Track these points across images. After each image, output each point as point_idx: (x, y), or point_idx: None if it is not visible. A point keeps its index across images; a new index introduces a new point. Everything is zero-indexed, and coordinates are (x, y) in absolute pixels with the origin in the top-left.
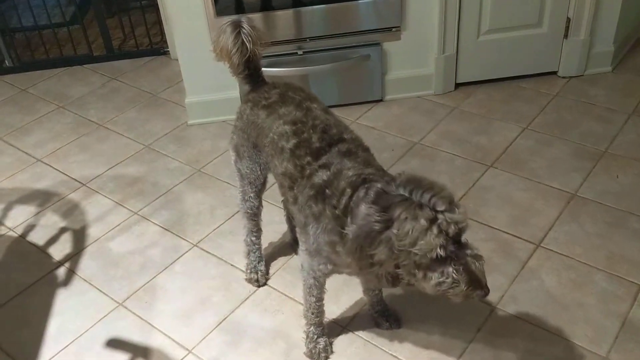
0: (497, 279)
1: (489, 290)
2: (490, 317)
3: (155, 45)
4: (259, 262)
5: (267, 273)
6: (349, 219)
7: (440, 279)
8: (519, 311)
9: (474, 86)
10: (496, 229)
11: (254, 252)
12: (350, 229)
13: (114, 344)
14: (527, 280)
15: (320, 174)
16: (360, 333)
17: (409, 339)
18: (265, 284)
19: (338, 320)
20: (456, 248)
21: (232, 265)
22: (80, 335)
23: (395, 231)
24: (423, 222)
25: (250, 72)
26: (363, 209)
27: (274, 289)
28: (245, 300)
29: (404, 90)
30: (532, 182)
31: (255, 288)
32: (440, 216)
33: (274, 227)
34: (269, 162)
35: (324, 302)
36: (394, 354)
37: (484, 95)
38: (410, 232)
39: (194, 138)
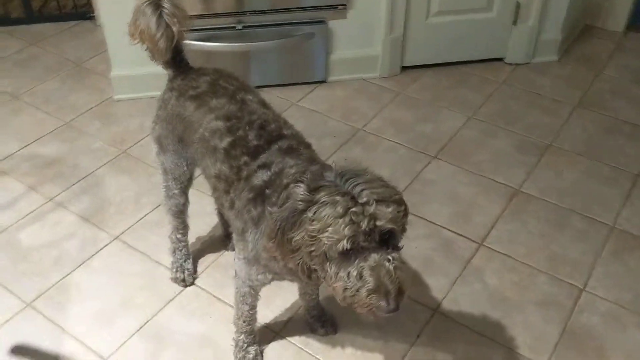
0: (439, 280)
1: (395, 306)
2: (431, 321)
3: (80, 9)
4: (185, 260)
5: (195, 272)
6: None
7: (346, 281)
8: (460, 314)
9: (420, 70)
10: (438, 225)
11: (180, 250)
12: (274, 209)
13: (20, 350)
14: (469, 282)
15: (260, 175)
16: (294, 339)
17: (346, 346)
18: (192, 283)
19: (270, 325)
20: (370, 248)
21: (157, 262)
22: None
23: (310, 214)
24: (339, 209)
25: (173, 55)
26: (291, 188)
27: (203, 289)
28: (171, 301)
29: (349, 71)
30: (476, 175)
31: (182, 288)
32: (358, 208)
33: (203, 219)
34: (199, 162)
35: (256, 309)
36: None
37: (430, 80)
38: (324, 218)
39: (120, 115)
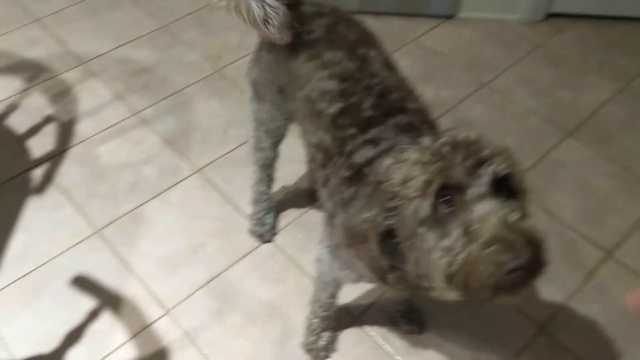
0: (553, 292)
1: (529, 256)
2: (535, 341)
3: None
4: (266, 214)
5: (275, 227)
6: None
7: (447, 248)
8: (571, 337)
9: (568, 20)
10: (563, 222)
11: (262, 202)
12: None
13: (81, 282)
14: (588, 299)
15: (364, 152)
16: (373, 331)
17: (430, 350)
18: (270, 240)
19: (349, 308)
20: (478, 195)
21: (236, 207)
22: (45, 263)
23: (389, 173)
24: (426, 154)
25: None
26: (377, 163)
27: (281, 249)
28: (244, 257)
29: (483, 9)
30: (616, 166)
31: (259, 244)
32: (450, 141)
33: (292, 166)
34: (299, 122)
35: (338, 297)
36: None
37: (578, 34)
38: (406, 168)
39: (220, 26)
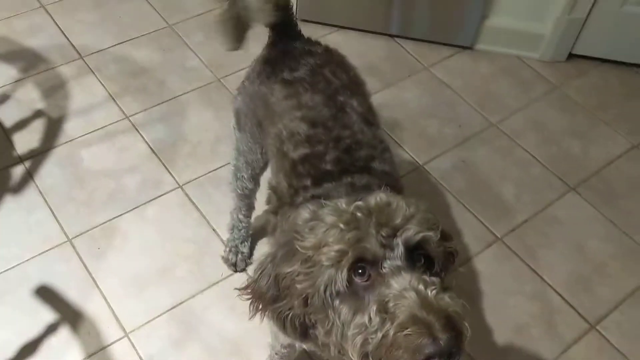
0: None
1: (447, 342)
2: None
3: None
4: (242, 242)
5: (250, 257)
6: None
7: (363, 325)
8: None
9: (591, 63)
10: (549, 285)
11: (239, 230)
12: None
13: (45, 293)
14: None
15: (297, 211)
16: None
17: None
18: (244, 269)
19: (313, 352)
20: (394, 269)
21: (213, 230)
22: (11, 268)
23: (305, 231)
24: (343, 216)
25: (279, 13)
26: (294, 214)
27: None
28: (213, 285)
29: (503, 43)
30: (617, 230)
31: (231, 272)
32: (364, 205)
33: None
34: (270, 160)
35: (295, 347)
36: None
37: (599, 79)
38: (321, 230)
39: None
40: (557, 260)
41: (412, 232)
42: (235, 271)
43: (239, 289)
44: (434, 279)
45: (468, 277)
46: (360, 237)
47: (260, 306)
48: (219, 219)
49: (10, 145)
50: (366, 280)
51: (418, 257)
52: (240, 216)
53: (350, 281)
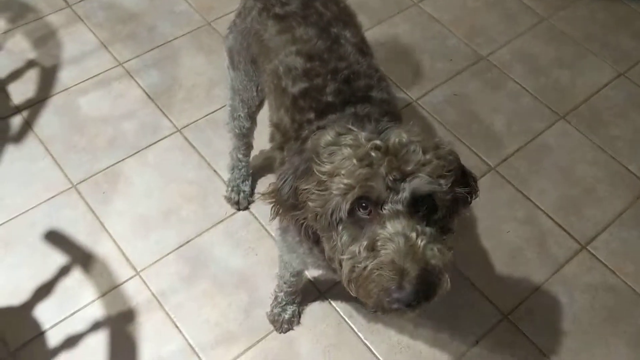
0: (521, 281)
1: (410, 293)
2: (497, 328)
3: None
4: (243, 181)
5: (252, 194)
6: None
7: (354, 254)
8: (533, 328)
9: None
10: (541, 210)
11: (240, 169)
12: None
13: (54, 237)
14: (555, 292)
15: (321, 132)
16: (338, 306)
17: (392, 330)
18: (247, 207)
19: (317, 283)
20: (394, 212)
21: (214, 171)
22: (19, 215)
23: (324, 156)
24: (359, 150)
25: None
26: (316, 134)
27: (255, 217)
28: (218, 224)
29: None
30: (604, 154)
31: (234, 211)
32: (381, 143)
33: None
34: (267, 98)
35: (302, 276)
36: (369, 345)
37: (586, 10)
38: (337, 159)
39: None
40: (548, 186)
41: (420, 181)
42: (239, 209)
43: (262, 194)
44: (427, 229)
45: None
46: (369, 176)
47: (281, 211)
48: (219, 160)
49: (7, 96)
50: (367, 215)
51: (422, 203)
52: (240, 155)
53: (352, 212)
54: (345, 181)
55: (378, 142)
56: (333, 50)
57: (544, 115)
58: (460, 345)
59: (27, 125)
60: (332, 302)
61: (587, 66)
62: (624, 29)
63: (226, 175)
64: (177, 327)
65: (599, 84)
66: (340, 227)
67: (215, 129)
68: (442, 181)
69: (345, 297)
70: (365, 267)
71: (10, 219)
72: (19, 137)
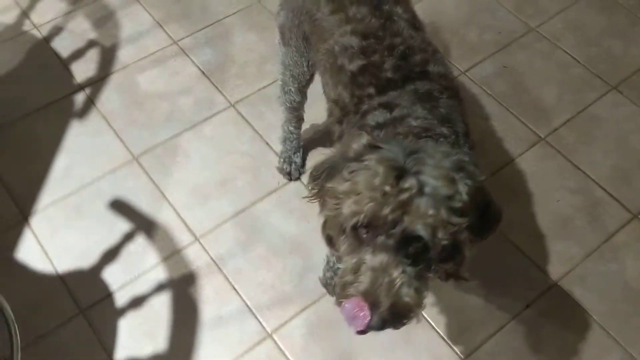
0: (571, 248)
1: (375, 321)
2: (546, 295)
3: None
4: (295, 153)
5: (303, 166)
6: None
7: (344, 268)
8: (583, 294)
9: None
10: (592, 179)
11: (291, 141)
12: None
13: (119, 206)
14: (606, 259)
15: (377, 115)
16: None
17: (443, 296)
18: (298, 178)
19: None
20: (386, 246)
21: (267, 144)
22: (86, 185)
23: (346, 173)
24: (375, 180)
25: None
26: (356, 134)
27: (307, 187)
28: (272, 193)
29: None
30: None
31: (286, 181)
32: (393, 188)
33: (324, 103)
34: (322, 77)
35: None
36: None
37: None
38: (356, 182)
39: None
40: (599, 156)
41: (410, 229)
42: (290, 180)
43: (308, 183)
44: (409, 268)
45: (514, 175)
46: (376, 211)
47: (319, 202)
48: (271, 133)
49: (70, 74)
50: (366, 234)
51: (414, 242)
52: (291, 128)
53: (356, 230)
54: (355, 208)
55: (388, 188)
56: (387, 27)
57: (595, 86)
58: (511, 309)
59: (90, 102)
60: None
61: None
62: None
63: (278, 148)
64: (235, 289)
65: None
66: (343, 237)
67: (267, 104)
68: (438, 232)
69: None
70: (346, 284)
71: (80, 188)
72: (82, 113)
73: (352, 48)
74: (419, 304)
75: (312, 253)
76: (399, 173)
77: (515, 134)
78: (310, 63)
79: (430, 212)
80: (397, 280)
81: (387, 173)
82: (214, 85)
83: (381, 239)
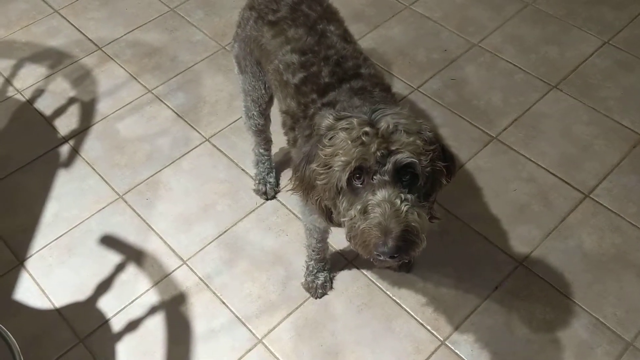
0: (531, 231)
1: (392, 248)
2: (513, 275)
3: None
4: (268, 174)
5: (277, 185)
6: None
7: (352, 217)
8: (547, 271)
9: None
10: (543, 168)
11: (263, 163)
12: (304, 147)
13: (108, 241)
14: (564, 237)
15: (323, 114)
16: (366, 271)
17: (417, 287)
18: (274, 197)
19: (344, 253)
20: (382, 182)
21: (242, 170)
22: (75, 226)
23: (326, 140)
24: (353, 132)
25: None
26: (317, 118)
27: (282, 204)
28: (251, 213)
29: None
30: (598, 114)
31: (263, 201)
32: (371, 129)
33: None
34: (274, 94)
35: (327, 241)
36: (397, 301)
37: None
38: (336, 142)
39: (224, 6)
40: (547, 147)
41: (401, 156)
42: (267, 199)
43: (290, 189)
44: (409, 195)
45: (472, 172)
46: (362, 153)
47: (304, 194)
48: (245, 160)
49: (54, 129)
50: (361, 184)
51: (405, 174)
52: (261, 150)
53: (350, 182)
54: (343, 158)
55: (367, 128)
56: (321, 42)
57: (537, 87)
58: (482, 291)
59: (75, 151)
60: (360, 268)
61: (573, 40)
62: (604, 3)
63: (253, 171)
64: (224, 303)
65: (585, 53)
66: (341, 196)
67: (239, 135)
68: (422, 157)
69: (370, 263)
70: (359, 227)
71: (70, 229)
72: (68, 162)
73: (294, 64)
74: (424, 228)
75: (292, 262)
76: (371, 122)
77: (468, 136)
78: (266, 85)
79: (410, 139)
80: (402, 207)
81: (362, 123)
82: (188, 124)
83: (377, 177)
